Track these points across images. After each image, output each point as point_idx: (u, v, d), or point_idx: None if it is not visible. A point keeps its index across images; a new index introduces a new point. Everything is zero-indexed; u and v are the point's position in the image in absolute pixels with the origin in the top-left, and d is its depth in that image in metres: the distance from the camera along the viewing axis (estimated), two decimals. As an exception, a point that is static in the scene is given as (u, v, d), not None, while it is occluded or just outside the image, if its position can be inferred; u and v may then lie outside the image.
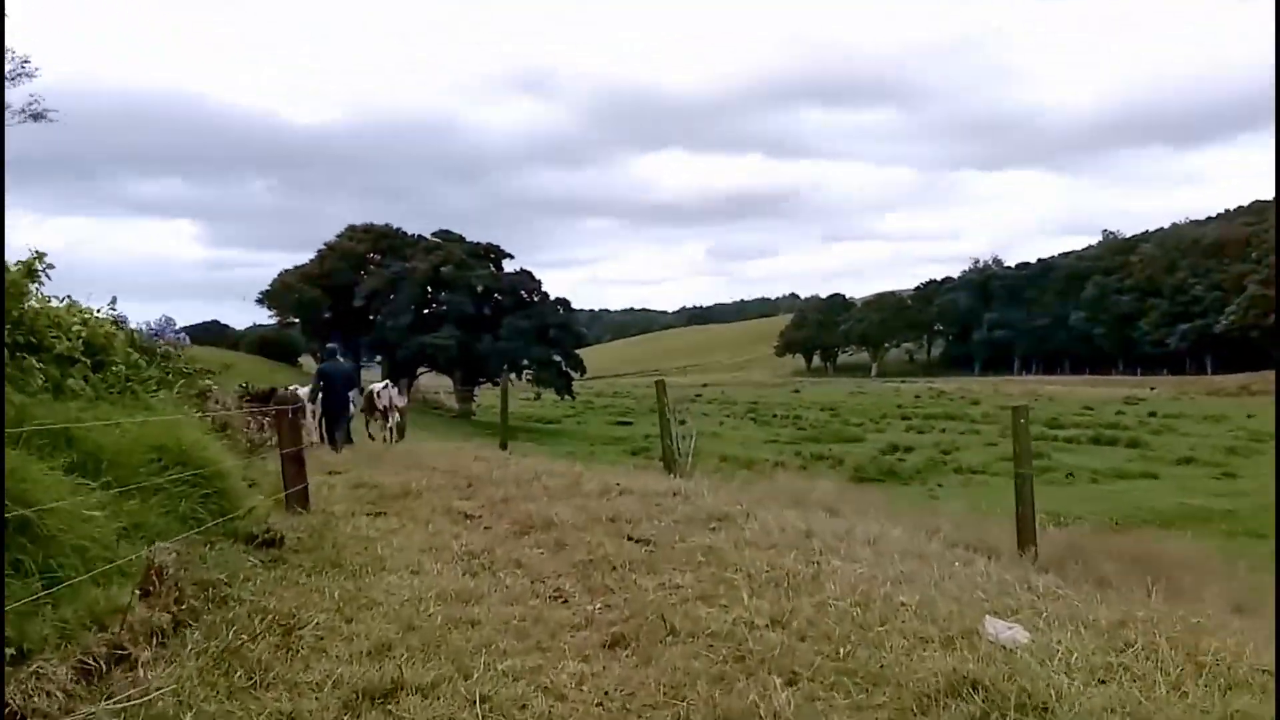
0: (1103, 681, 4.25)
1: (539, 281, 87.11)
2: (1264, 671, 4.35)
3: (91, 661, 3.93)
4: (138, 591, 4.60)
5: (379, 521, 8.59)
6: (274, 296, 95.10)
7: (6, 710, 3.39)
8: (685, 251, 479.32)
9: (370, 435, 20.04)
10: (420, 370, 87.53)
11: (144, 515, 5.72)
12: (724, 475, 14.26)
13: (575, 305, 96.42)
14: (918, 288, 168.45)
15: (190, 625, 4.69)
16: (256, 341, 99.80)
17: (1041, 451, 55.98)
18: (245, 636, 4.65)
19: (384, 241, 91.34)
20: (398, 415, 19.87)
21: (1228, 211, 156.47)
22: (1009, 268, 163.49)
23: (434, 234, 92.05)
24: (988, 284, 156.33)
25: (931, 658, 4.55)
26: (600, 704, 4.24)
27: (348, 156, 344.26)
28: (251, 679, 4.23)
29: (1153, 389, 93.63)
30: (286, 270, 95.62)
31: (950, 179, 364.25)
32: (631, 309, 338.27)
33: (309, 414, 19.45)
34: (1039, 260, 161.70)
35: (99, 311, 9.60)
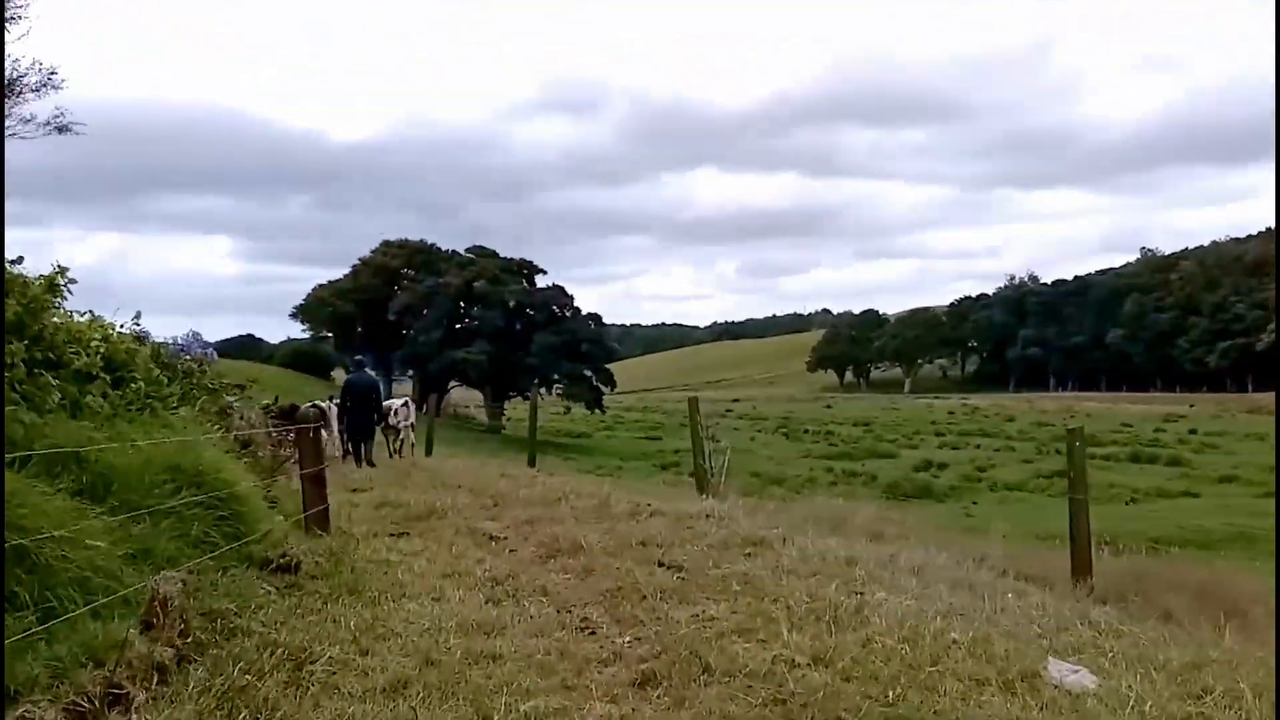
0: (1181, 734, 3.87)
1: (571, 297, 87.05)
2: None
3: (85, 703, 3.66)
4: (140, 624, 4.33)
5: (401, 543, 8.32)
6: (308, 311, 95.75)
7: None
8: (718, 267, 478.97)
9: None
10: (451, 384, 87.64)
11: (153, 540, 5.47)
12: (758, 496, 13.91)
13: (608, 320, 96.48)
14: (952, 304, 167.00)
15: (195, 660, 4.41)
16: (290, 355, 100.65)
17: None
18: (253, 673, 4.36)
19: (418, 257, 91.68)
20: (408, 433, 19.68)
21: (1269, 229, 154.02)
22: (1045, 285, 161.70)
23: (468, 249, 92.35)
24: (1023, 301, 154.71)
25: (990, 703, 4.20)
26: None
27: (385, 172, 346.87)
28: (256, 720, 3.95)
29: (1191, 406, 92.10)
30: (321, 285, 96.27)
31: (987, 197, 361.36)
32: (664, 324, 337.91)
33: (334, 428, 19.33)
34: (1076, 278, 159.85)
35: (122, 326, 9.43)
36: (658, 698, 4.47)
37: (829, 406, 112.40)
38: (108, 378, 7.99)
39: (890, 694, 4.35)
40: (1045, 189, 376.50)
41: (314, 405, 18.73)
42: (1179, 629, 5.80)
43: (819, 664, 4.77)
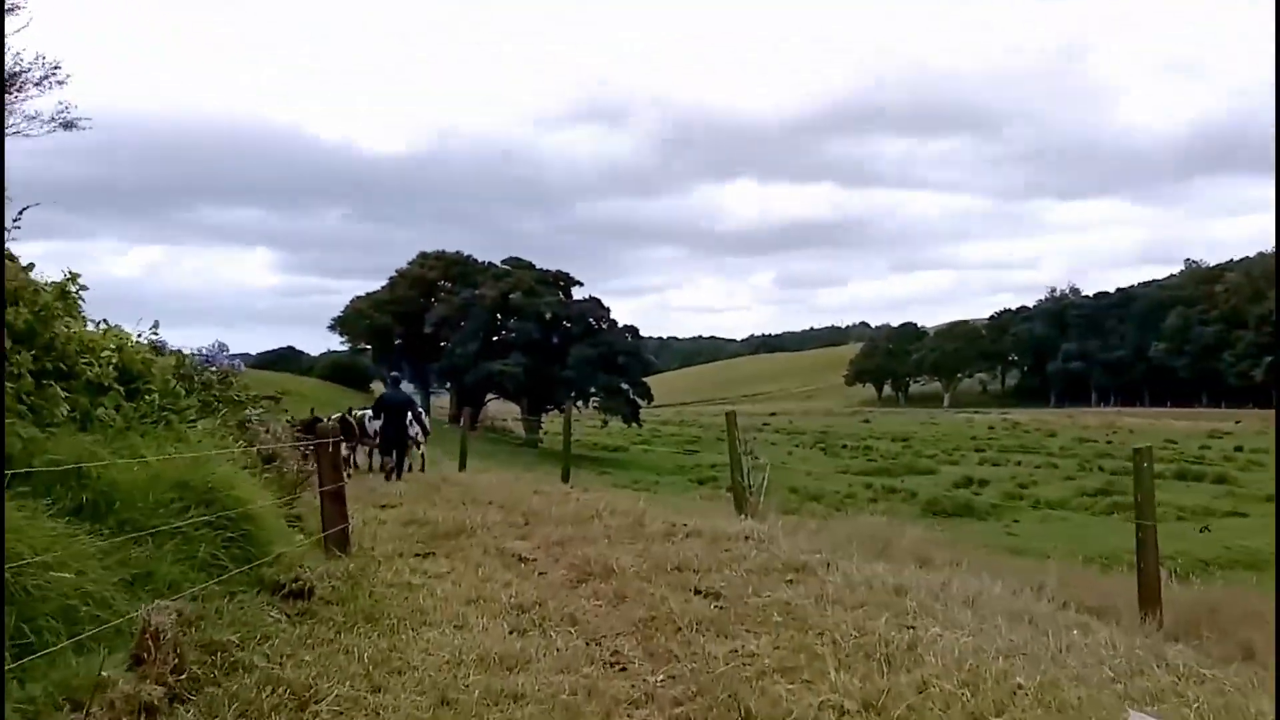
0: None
1: (607, 309, 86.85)
2: None
3: (58, 751, 3.30)
4: (129, 659, 3.97)
5: (427, 563, 7.96)
6: (346, 323, 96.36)
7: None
8: (754, 279, 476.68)
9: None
10: (488, 397, 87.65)
11: (155, 563, 5.14)
12: (797, 515, 13.45)
13: (643, 332, 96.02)
14: (991, 317, 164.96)
15: (188, 700, 4.05)
16: (329, 367, 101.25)
17: (1124, 487, 53.92)
18: (250, 715, 4.00)
19: (454, 268, 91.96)
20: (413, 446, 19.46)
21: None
22: (1086, 297, 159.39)
23: (504, 261, 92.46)
24: (1064, 314, 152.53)
25: (1066, 762, 3.73)
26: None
27: (420, 184, 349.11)
28: (250, 770, 3.57)
29: (1237, 422, 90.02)
30: (358, 297, 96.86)
31: (1026, 207, 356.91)
32: (699, 336, 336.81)
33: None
34: (1118, 290, 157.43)
35: (140, 336, 9.18)
36: (693, 747, 4.05)
37: (867, 421, 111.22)
38: (121, 389, 7.72)
39: (952, 748, 3.90)
40: (1083, 199, 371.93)
41: (343, 417, 18.59)
42: (1264, 671, 5.28)
43: (871, 711, 4.33)
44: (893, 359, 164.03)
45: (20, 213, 13.25)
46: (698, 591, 6.67)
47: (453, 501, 12.33)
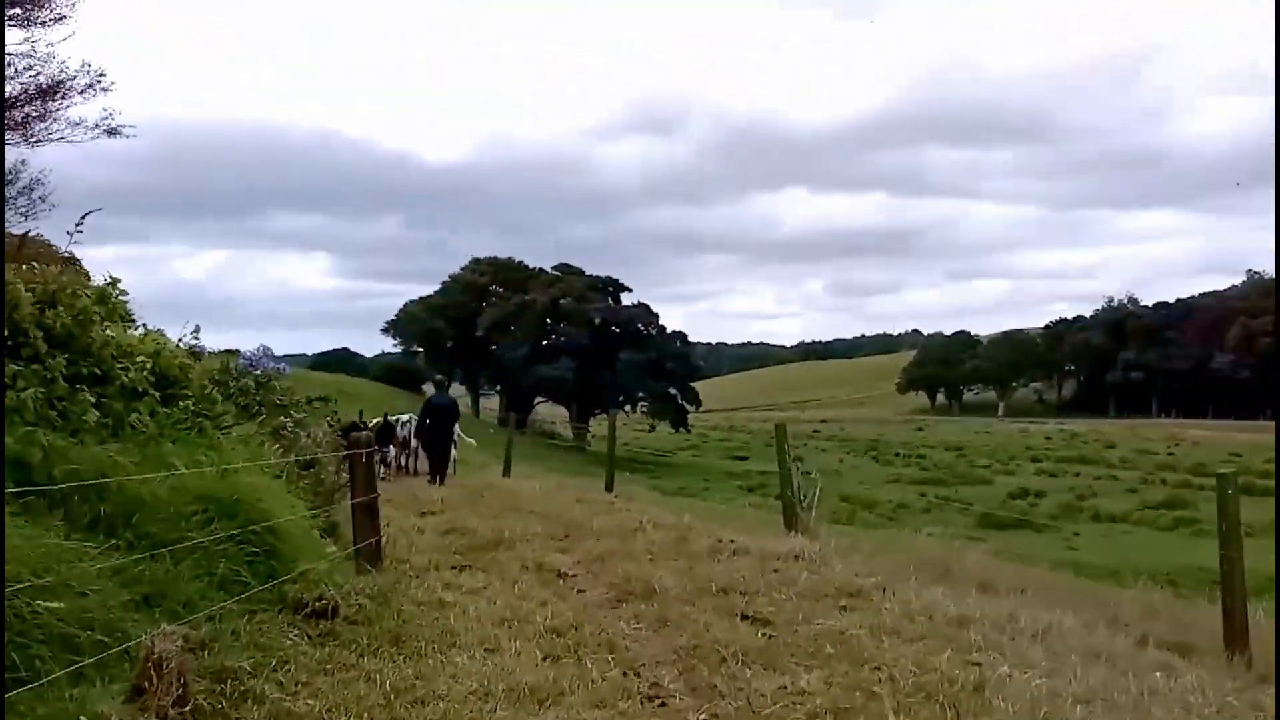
0: None
1: (656, 315, 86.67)
2: None
3: (41, 795, 3.02)
4: (130, 689, 3.69)
5: (463, 577, 7.67)
6: (399, 326, 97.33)
7: None
8: (805, 286, 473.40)
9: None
10: (537, 400, 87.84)
11: (170, 581, 4.87)
12: (850, 532, 13.00)
13: (693, 338, 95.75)
14: (1047, 326, 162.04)
15: (191, 735, 3.76)
16: (384, 370, 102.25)
17: (1188, 500, 52.64)
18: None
19: (505, 274, 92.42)
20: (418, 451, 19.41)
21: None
22: (1146, 306, 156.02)
23: (554, 267, 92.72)
24: (1123, 323, 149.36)
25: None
26: None
27: (476, 192, 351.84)
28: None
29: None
30: (412, 300, 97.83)
31: (1082, 217, 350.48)
32: (750, 343, 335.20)
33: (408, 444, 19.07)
34: (1178, 300, 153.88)
35: (180, 340, 9.00)
36: (737, 801, 3.68)
37: (920, 429, 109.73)
38: (157, 395, 7.52)
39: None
40: (1140, 209, 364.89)
41: (384, 422, 18.47)
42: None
43: (935, 763, 3.93)
44: (946, 367, 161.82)
45: (82, 218, 13.24)
46: (744, 617, 6.29)
47: (494, 510, 12.06)
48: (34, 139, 18.52)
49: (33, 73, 18.51)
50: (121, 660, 4.03)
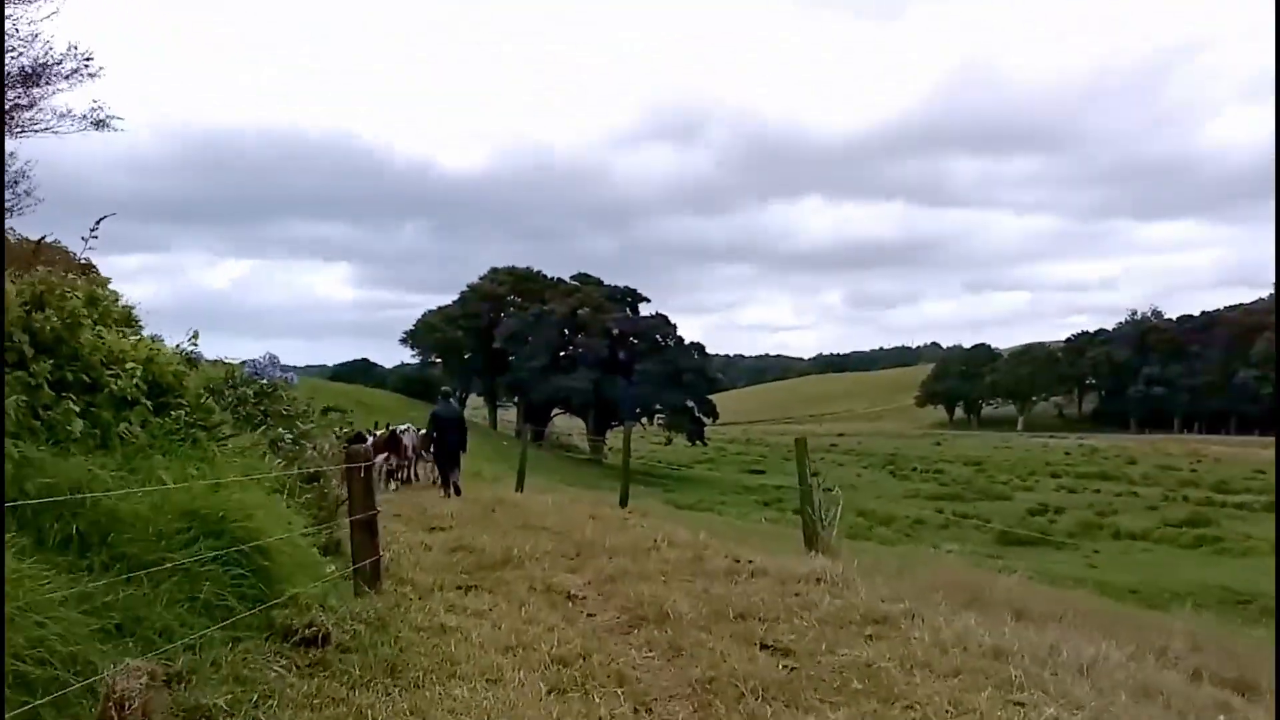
0: None
1: (674, 325, 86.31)
2: None
3: None
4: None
5: (468, 599, 7.30)
6: (417, 336, 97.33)
7: None
8: (823, 297, 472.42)
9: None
10: (555, 412, 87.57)
11: (146, 607, 4.52)
12: (869, 549, 12.56)
13: (710, 350, 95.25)
14: (1068, 339, 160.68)
15: (153, 783, 3.40)
16: (403, 380, 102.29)
17: (1211, 518, 51.90)
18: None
19: (524, 284, 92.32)
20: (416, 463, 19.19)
21: None
22: (1168, 320, 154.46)
23: (573, 277, 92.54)
24: (1145, 337, 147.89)
25: None
26: None
27: (494, 201, 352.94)
28: None
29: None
30: (430, 311, 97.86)
31: (1103, 228, 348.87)
32: (767, 354, 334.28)
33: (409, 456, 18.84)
34: (1202, 313, 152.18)
35: (179, 347, 8.69)
36: None
37: (938, 444, 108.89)
38: (149, 404, 7.20)
39: None
40: (1162, 220, 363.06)
41: (391, 433, 18.18)
42: None
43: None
44: (965, 381, 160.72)
45: (97, 223, 12.95)
46: (764, 646, 5.89)
47: (504, 526, 11.69)
48: (18, 130, 17.51)
49: (14, 54, 16.89)
50: (85, 697, 3.68)
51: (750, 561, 8.70)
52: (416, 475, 19.29)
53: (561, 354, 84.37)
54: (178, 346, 8.74)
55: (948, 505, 59.60)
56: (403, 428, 19.37)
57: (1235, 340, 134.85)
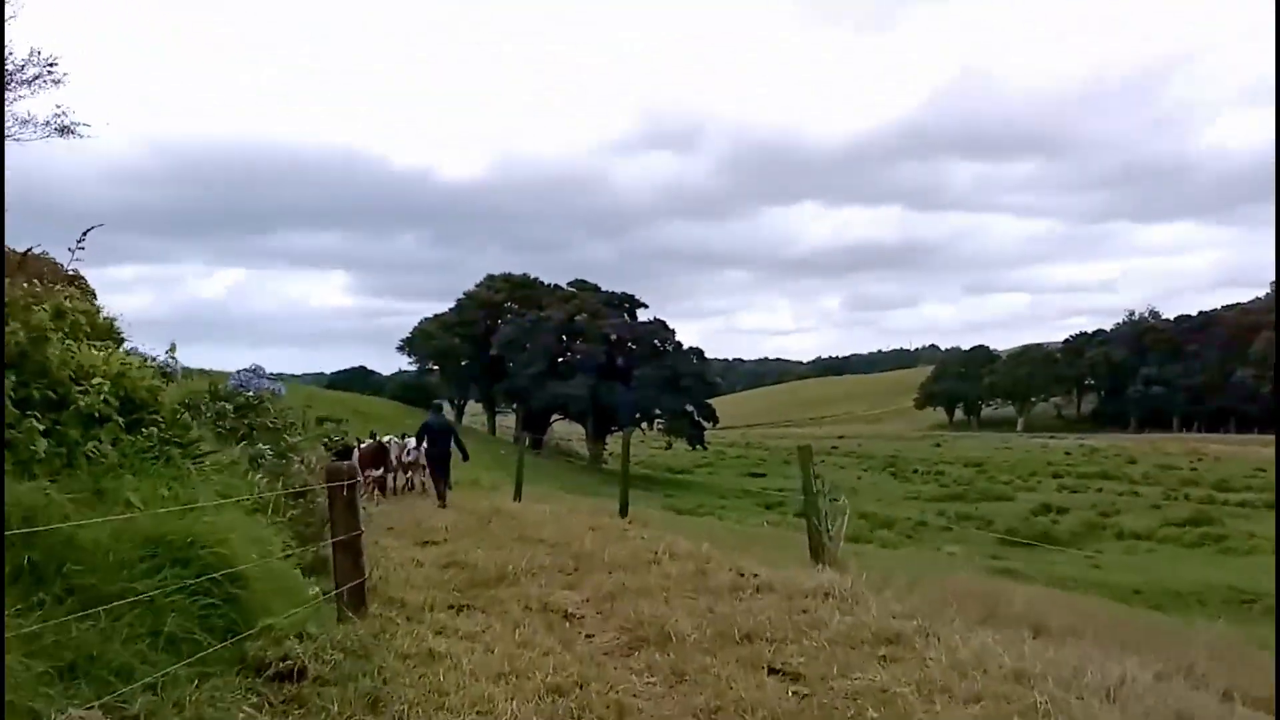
0: None
1: (672, 331, 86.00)
2: None
3: None
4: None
5: (460, 620, 6.95)
6: (414, 344, 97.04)
7: None
8: (822, 301, 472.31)
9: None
10: (553, 418, 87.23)
11: (104, 643, 4.17)
12: (874, 555, 12.21)
13: (709, 354, 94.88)
14: (1067, 340, 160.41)
15: None
16: (400, 388, 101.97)
17: (1214, 517, 51.59)
18: None
19: (521, 291, 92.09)
20: (407, 473, 18.95)
21: None
22: (1167, 320, 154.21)
23: (569, 283, 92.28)
24: (1143, 337, 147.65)
25: None
26: None
27: (493, 209, 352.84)
28: None
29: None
30: (426, 318, 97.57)
31: (1100, 230, 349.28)
32: (766, 359, 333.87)
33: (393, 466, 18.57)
34: (1200, 313, 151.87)
35: (153, 359, 8.36)
36: None
37: (938, 445, 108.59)
38: (120, 420, 6.85)
39: None
40: (1160, 222, 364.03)
41: (378, 443, 17.84)
42: None
43: None
44: (964, 382, 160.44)
45: (84, 234, 12.60)
46: (772, 670, 5.54)
47: (500, 539, 11.34)
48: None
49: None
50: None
51: (755, 575, 8.37)
52: (411, 485, 18.98)
53: (559, 360, 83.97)
54: (152, 359, 8.42)
55: (949, 506, 59.29)
56: (391, 439, 19.03)
57: (1233, 340, 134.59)
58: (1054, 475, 75.47)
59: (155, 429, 6.91)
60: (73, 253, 12.68)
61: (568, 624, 6.97)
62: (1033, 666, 5.47)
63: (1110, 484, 68.69)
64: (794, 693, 5.17)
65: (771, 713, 4.79)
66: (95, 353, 7.34)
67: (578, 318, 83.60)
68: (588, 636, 6.60)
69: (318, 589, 6.61)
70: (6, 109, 16.91)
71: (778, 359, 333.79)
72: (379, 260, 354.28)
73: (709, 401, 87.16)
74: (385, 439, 18.73)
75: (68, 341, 7.26)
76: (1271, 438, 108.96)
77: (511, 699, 5.05)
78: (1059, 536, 48.52)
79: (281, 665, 4.73)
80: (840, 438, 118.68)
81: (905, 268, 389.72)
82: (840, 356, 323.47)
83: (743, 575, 8.43)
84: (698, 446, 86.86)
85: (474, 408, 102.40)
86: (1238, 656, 7.84)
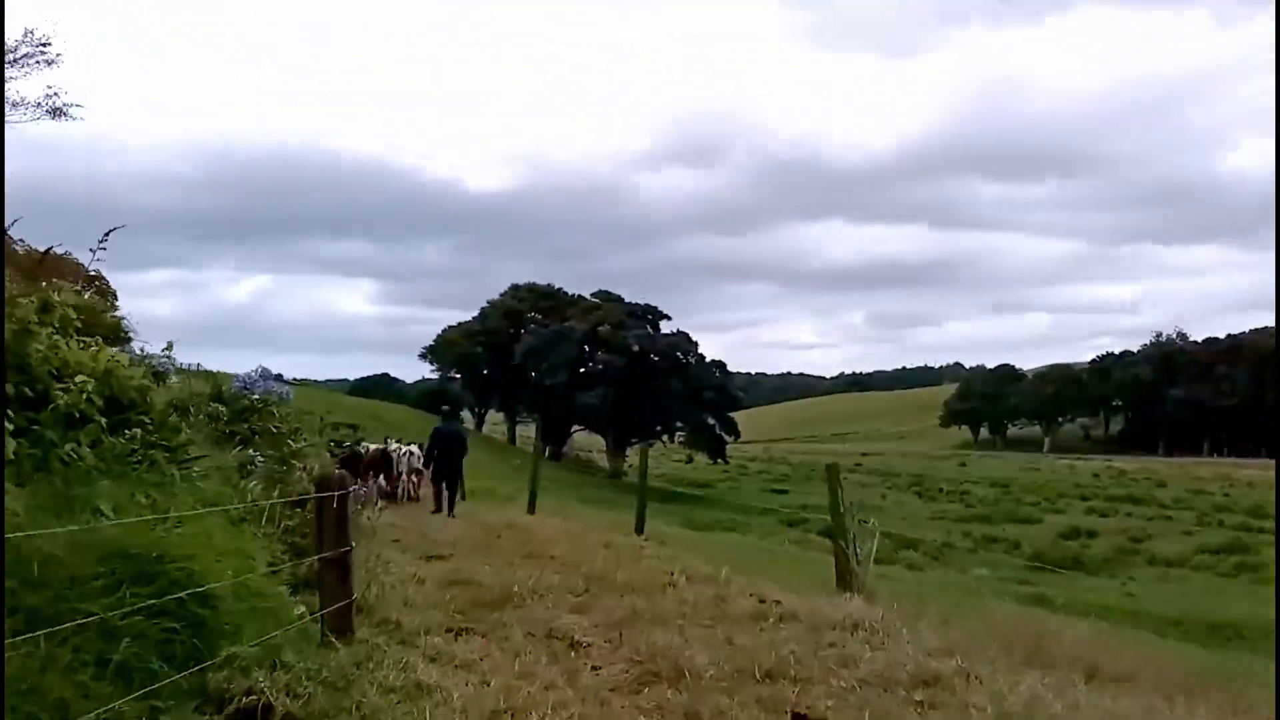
0: None
1: (695, 343, 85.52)
2: None
3: None
4: None
5: (457, 645, 6.43)
6: (436, 351, 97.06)
7: None
8: (845, 317, 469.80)
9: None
10: (574, 428, 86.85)
11: (42, 673, 3.67)
12: (900, 578, 11.62)
13: (731, 368, 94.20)
14: (1094, 361, 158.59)
15: None
16: (422, 395, 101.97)
17: (1249, 544, 50.29)
18: None
19: (544, 301, 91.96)
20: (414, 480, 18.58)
21: None
22: (1195, 342, 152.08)
23: (593, 294, 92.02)
24: (1172, 359, 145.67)
25: None
26: None
27: (518, 219, 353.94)
28: None
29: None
30: (450, 326, 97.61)
31: (1126, 251, 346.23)
32: (789, 373, 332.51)
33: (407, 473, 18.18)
34: (1229, 335, 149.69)
35: (146, 359, 7.92)
36: None
37: (963, 464, 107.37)
38: (103, 421, 6.39)
39: None
40: (1186, 243, 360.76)
41: (383, 449, 17.46)
42: None
43: None
44: (989, 401, 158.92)
45: (106, 235, 12.27)
46: (796, 715, 4.99)
47: (508, 555, 10.83)
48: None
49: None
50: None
51: (778, 602, 7.82)
52: (409, 493, 18.65)
53: (581, 370, 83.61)
54: (145, 359, 7.99)
55: (975, 528, 58.35)
56: (396, 447, 18.62)
57: (1262, 363, 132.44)
58: (1082, 498, 74.18)
59: (140, 431, 6.45)
60: (94, 253, 12.36)
61: (573, 653, 6.44)
62: (1088, 715, 4.89)
63: (1140, 508, 67.41)
64: (822, 744, 4.62)
65: (796, 768, 4.24)
66: (83, 350, 6.91)
67: (600, 328, 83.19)
68: (594, 669, 6.06)
69: (304, 609, 6.13)
70: None
71: (800, 374, 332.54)
72: (405, 268, 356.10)
73: (731, 415, 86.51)
74: (394, 447, 18.35)
75: (55, 337, 6.85)
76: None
77: (507, 742, 4.53)
78: (1090, 561, 47.54)
79: (244, 701, 4.22)
80: (864, 455, 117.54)
81: (928, 285, 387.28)
82: (863, 373, 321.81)
83: (764, 602, 7.88)
84: (719, 461, 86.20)
85: (494, 417, 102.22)
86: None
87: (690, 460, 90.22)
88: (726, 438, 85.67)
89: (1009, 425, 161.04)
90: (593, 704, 5.22)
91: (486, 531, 13.43)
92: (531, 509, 17.76)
